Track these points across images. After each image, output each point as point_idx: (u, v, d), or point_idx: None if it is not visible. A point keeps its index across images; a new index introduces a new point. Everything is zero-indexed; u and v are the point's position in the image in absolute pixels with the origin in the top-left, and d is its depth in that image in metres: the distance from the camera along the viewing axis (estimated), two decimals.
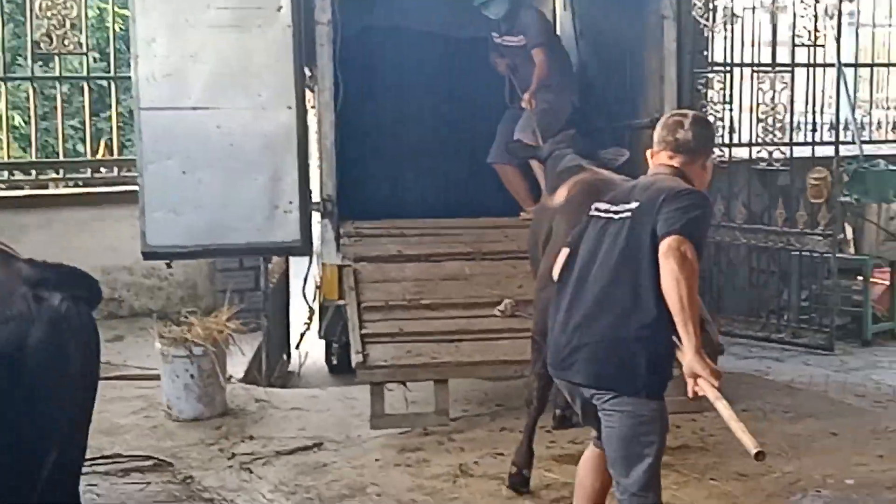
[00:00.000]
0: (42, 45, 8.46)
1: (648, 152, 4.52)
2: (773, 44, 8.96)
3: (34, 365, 3.49)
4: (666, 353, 4.18)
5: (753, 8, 8.93)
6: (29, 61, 8.75)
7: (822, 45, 8.92)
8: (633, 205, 4.25)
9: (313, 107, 7.57)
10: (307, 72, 7.33)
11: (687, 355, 4.02)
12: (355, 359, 6.32)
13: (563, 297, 4.41)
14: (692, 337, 3.99)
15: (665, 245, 4.04)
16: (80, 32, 8.52)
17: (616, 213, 4.32)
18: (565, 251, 4.55)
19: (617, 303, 4.19)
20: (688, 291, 3.98)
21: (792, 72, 8.86)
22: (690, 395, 4.12)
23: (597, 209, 4.44)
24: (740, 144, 9.19)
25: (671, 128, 4.43)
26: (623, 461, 4.22)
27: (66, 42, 8.41)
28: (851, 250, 9.58)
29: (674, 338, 4.11)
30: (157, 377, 6.76)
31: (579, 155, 6.25)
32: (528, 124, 7.94)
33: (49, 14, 8.36)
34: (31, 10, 8.45)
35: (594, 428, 4.42)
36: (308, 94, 7.53)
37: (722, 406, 3.98)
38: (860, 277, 9.17)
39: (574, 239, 4.55)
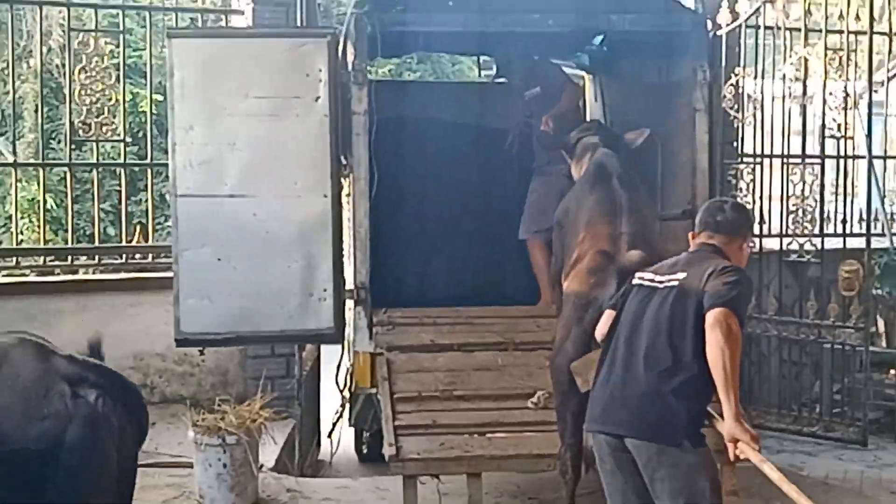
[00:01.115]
0: (80, 131, 8.53)
1: (690, 234, 4.98)
2: (803, 134, 8.99)
3: (71, 463, 3.51)
4: (703, 408, 4.56)
5: (783, 98, 8.95)
6: (67, 147, 8.82)
7: (852, 137, 8.95)
8: (681, 275, 4.66)
9: (347, 195, 7.61)
10: (342, 160, 7.39)
11: (727, 421, 4.39)
12: (388, 451, 6.29)
13: (607, 357, 4.79)
14: (733, 405, 4.36)
15: (712, 317, 4.42)
16: (115, 118, 8.62)
17: (661, 283, 4.73)
18: (609, 313, 4.97)
19: (660, 362, 4.56)
20: (731, 362, 4.35)
21: (822, 163, 8.88)
22: (732, 458, 4.47)
23: (641, 278, 4.86)
24: (770, 235, 9.17)
25: (712, 211, 4.94)
26: None
27: (103, 129, 8.50)
28: (884, 343, 9.53)
29: (709, 408, 4.54)
30: (189, 465, 6.75)
31: (604, 140, 7.17)
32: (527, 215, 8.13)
33: (87, 100, 8.46)
34: (70, 96, 8.54)
35: (620, 487, 4.69)
36: (342, 181, 7.57)
37: (769, 469, 4.38)
38: (893, 371, 9.11)
39: (617, 301, 4.99)
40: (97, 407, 3.58)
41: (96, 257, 8.90)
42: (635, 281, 4.91)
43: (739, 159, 8.97)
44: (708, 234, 4.87)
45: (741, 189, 8.93)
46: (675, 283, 4.67)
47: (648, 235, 6.65)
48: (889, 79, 10.91)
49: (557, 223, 7.20)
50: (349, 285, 7.38)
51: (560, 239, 7.08)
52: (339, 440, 8.02)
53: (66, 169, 9.00)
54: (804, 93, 8.80)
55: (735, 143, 9.02)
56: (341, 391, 7.85)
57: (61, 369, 3.66)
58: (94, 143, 8.80)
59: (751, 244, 5.05)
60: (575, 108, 8.91)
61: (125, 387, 3.72)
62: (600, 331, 5.06)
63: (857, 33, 8.87)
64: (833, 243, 8.91)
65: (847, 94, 8.69)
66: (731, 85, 8.45)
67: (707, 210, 5.01)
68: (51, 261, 8.75)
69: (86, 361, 3.72)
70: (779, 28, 8.64)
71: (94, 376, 3.65)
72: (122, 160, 9.01)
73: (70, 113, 8.60)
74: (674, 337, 4.57)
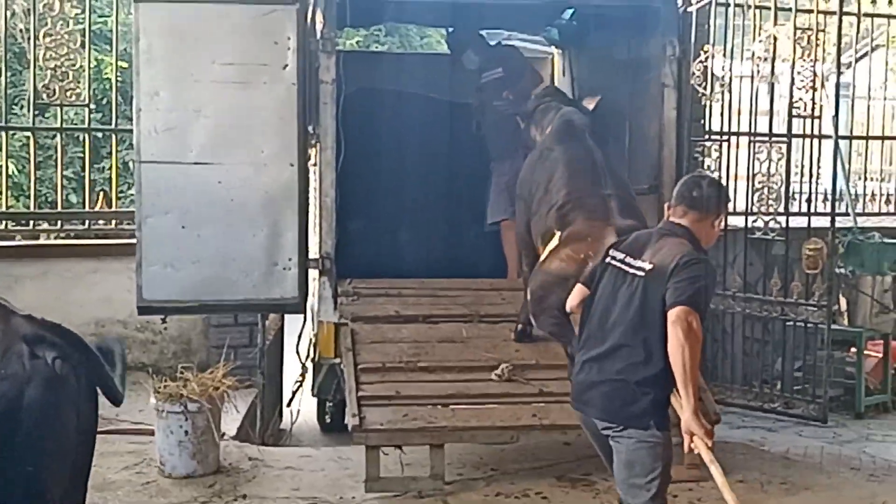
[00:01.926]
0: (44, 96, 8.43)
1: (666, 205, 5.13)
2: (770, 113, 9.01)
3: (30, 423, 3.48)
4: (667, 396, 4.73)
5: (752, 77, 8.97)
6: (30, 112, 8.71)
7: (819, 117, 8.98)
8: (648, 266, 4.79)
9: (314, 164, 7.57)
10: (310, 129, 7.34)
11: (685, 415, 4.59)
12: (351, 422, 6.30)
13: (583, 338, 5.00)
14: (691, 399, 4.56)
15: (673, 314, 4.58)
16: (80, 84, 8.52)
17: (631, 266, 4.86)
18: (580, 288, 5.15)
19: (629, 352, 4.74)
20: (691, 359, 4.54)
21: (789, 142, 8.90)
22: (686, 450, 4.68)
23: (614, 258, 4.97)
24: (736, 213, 9.17)
25: (690, 186, 5.02)
26: (631, 485, 4.74)
27: (67, 94, 8.40)
28: (845, 322, 9.59)
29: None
30: (150, 432, 6.70)
31: (563, 103, 7.48)
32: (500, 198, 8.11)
33: (52, 65, 8.36)
34: (34, 60, 8.43)
35: (605, 459, 4.95)
36: (309, 151, 7.53)
37: (715, 470, 4.60)
38: (854, 349, 9.18)
39: (588, 278, 5.16)
40: (55, 368, 3.54)
41: (58, 223, 8.80)
42: (608, 259, 5.00)
43: (707, 136, 8.99)
44: (682, 210, 4.94)
45: (708, 166, 8.95)
46: (643, 273, 4.79)
47: (633, 200, 6.83)
48: (857, 60, 10.96)
49: (519, 197, 7.23)
50: (314, 255, 7.34)
51: (525, 213, 7.10)
52: (300, 410, 7.99)
53: (28, 134, 8.88)
54: (772, 72, 8.81)
55: (703, 121, 9.05)
56: (303, 361, 7.81)
57: (20, 329, 3.61)
58: (58, 108, 8.68)
59: (722, 223, 5.07)
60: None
61: (84, 348, 3.68)
62: (570, 303, 5.24)
63: (826, 13, 8.89)
64: (798, 222, 8.94)
65: (815, 75, 8.69)
66: (700, 62, 8.46)
67: (684, 184, 5.08)
68: (13, 226, 8.66)
69: (45, 322, 3.67)
70: (748, 6, 8.65)
71: (53, 337, 3.60)
72: (86, 126, 8.89)
73: (34, 77, 8.47)
74: (644, 330, 4.73)
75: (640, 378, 4.71)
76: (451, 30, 9.52)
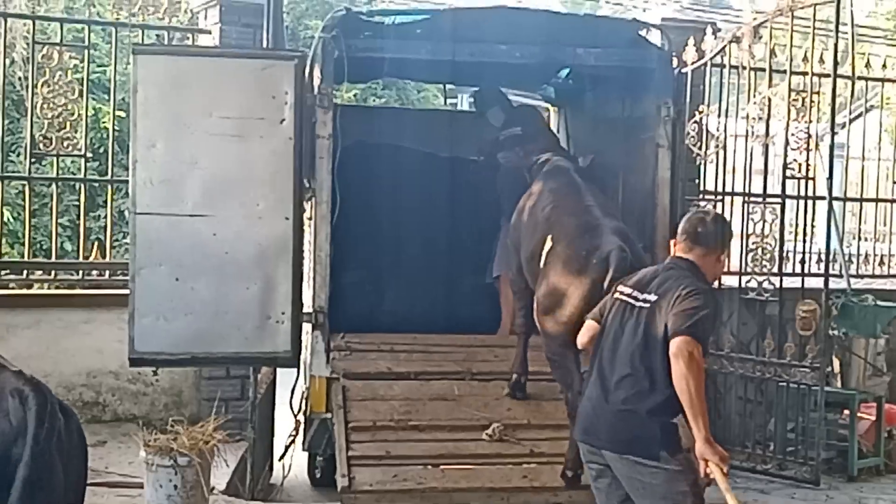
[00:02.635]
0: (41, 145, 8.44)
1: (672, 241, 5.30)
2: (765, 174, 9.04)
3: (16, 481, 3.45)
4: (674, 423, 4.85)
5: (746, 137, 9.00)
6: (27, 161, 8.72)
7: (813, 178, 9.00)
8: (653, 298, 4.93)
9: (309, 218, 7.58)
10: (305, 183, 7.36)
11: (698, 443, 4.70)
12: (340, 482, 6.29)
13: (592, 370, 5.12)
14: (701, 427, 4.67)
15: (675, 346, 4.70)
16: (77, 133, 8.53)
17: (636, 299, 5.01)
18: (591, 324, 5.31)
19: (634, 381, 4.87)
20: (696, 388, 4.65)
21: (783, 203, 8.91)
22: (702, 475, 4.77)
23: (622, 292, 5.13)
24: (729, 273, 9.17)
25: (694, 222, 5.16)
26: None
27: (64, 143, 8.42)
28: (839, 384, 9.55)
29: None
30: (139, 485, 6.66)
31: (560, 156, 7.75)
32: (504, 252, 8.12)
33: (49, 114, 8.38)
34: (32, 109, 8.46)
35: (604, 491, 5.08)
36: (304, 204, 7.54)
37: (731, 499, 4.69)
38: (847, 412, 9.15)
39: (597, 314, 5.32)
40: (46, 426, 3.52)
41: (52, 272, 8.79)
42: (617, 295, 5.16)
43: (701, 196, 9.01)
44: (688, 245, 5.09)
45: None
46: (648, 305, 4.93)
47: (615, 211, 7.12)
48: (851, 121, 11.02)
49: (511, 243, 7.56)
50: (307, 309, 7.34)
51: (516, 256, 7.39)
52: (291, 464, 7.94)
53: (24, 182, 8.90)
54: (767, 132, 8.84)
55: (697, 180, 9.09)
56: (295, 415, 7.78)
57: (8, 384, 3.59)
58: (55, 158, 8.70)
59: (727, 257, 5.33)
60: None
61: (66, 410, 3.66)
62: (581, 341, 5.41)
63: (820, 76, 8.94)
64: (791, 283, 8.92)
65: (809, 135, 8.73)
66: (695, 122, 8.50)
67: (689, 220, 5.21)
68: (6, 274, 8.63)
69: (34, 380, 3.65)
70: (744, 67, 8.69)
71: (42, 396, 3.58)
72: (82, 175, 8.90)
73: (31, 126, 8.51)
74: (648, 359, 4.86)
75: (647, 406, 4.83)
76: (475, 89, 9.55)
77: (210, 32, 8.58)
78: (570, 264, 6.50)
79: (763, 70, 8.75)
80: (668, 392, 4.74)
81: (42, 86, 8.35)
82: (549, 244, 6.76)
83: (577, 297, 6.24)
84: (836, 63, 8.67)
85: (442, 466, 6.55)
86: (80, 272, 8.76)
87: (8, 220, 10.43)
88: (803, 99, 8.75)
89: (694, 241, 5.08)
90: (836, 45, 8.50)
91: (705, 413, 4.71)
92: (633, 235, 6.91)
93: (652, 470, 4.81)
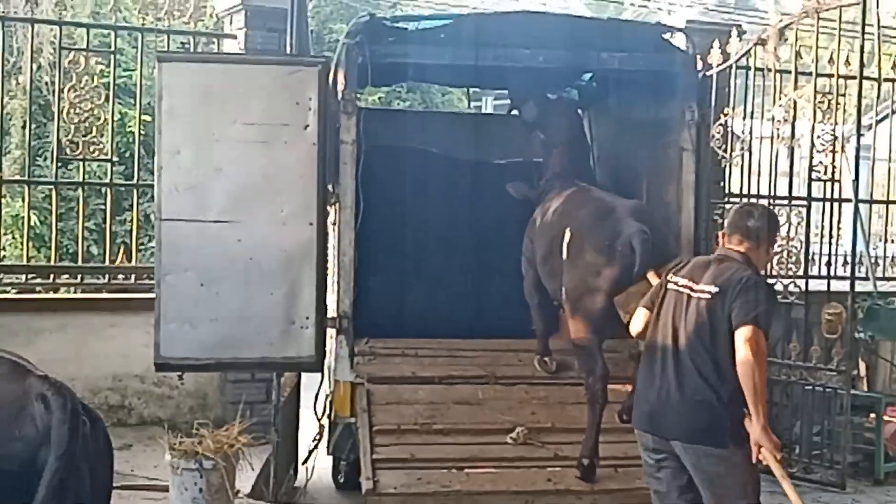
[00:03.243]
0: (68, 150, 8.50)
1: (720, 233, 5.55)
2: (790, 176, 9.01)
3: (42, 486, 3.48)
4: (742, 413, 5.00)
5: (772, 139, 8.97)
6: (53, 165, 8.78)
7: (839, 180, 8.97)
8: (714, 289, 5.09)
9: (333, 223, 7.61)
10: (329, 188, 7.38)
11: (755, 429, 4.95)
12: (365, 485, 6.31)
13: (650, 361, 5.31)
14: (761, 416, 4.93)
15: (741, 335, 4.93)
16: (104, 137, 8.58)
17: (694, 290, 5.18)
18: (645, 311, 5.50)
19: (702, 371, 5.06)
20: (760, 377, 4.91)
21: (808, 205, 8.88)
22: (755, 460, 5.05)
23: (676, 283, 5.30)
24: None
25: (743, 216, 5.37)
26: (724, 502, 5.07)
27: (90, 148, 8.47)
28: (865, 387, 9.52)
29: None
30: (164, 489, 6.69)
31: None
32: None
33: (76, 119, 8.43)
34: (59, 113, 8.52)
35: (660, 486, 5.30)
36: (328, 209, 7.56)
37: (788, 487, 5.08)
38: (873, 415, 9.11)
39: (648, 302, 5.53)
40: (69, 429, 3.55)
41: (79, 276, 8.83)
42: (670, 285, 5.34)
43: (726, 199, 8.98)
44: (738, 240, 5.27)
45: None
46: (709, 296, 5.10)
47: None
48: (877, 123, 10.96)
49: (525, 258, 7.92)
50: (331, 314, 7.36)
51: (532, 271, 7.73)
52: (314, 468, 7.97)
53: (51, 187, 8.96)
54: (792, 135, 8.80)
55: (722, 183, 9.06)
56: (319, 419, 7.80)
57: (35, 389, 3.63)
58: (81, 162, 8.76)
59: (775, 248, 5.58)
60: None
61: (91, 413, 3.70)
62: (635, 329, 5.59)
63: (846, 77, 8.91)
64: (817, 285, 8.90)
65: (835, 138, 8.70)
66: (720, 125, 8.48)
67: (738, 214, 5.42)
68: (33, 278, 8.69)
69: (58, 384, 3.69)
70: (769, 70, 8.66)
71: (67, 400, 3.62)
72: (108, 179, 8.95)
73: (58, 131, 8.56)
74: (714, 349, 5.06)
75: (720, 395, 5.02)
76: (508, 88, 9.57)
77: (235, 37, 8.61)
78: (595, 254, 6.75)
79: (789, 72, 8.73)
80: (735, 383, 4.95)
81: (69, 90, 8.42)
82: (568, 236, 6.98)
83: (607, 287, 6.59)
84: (861, 64, 8.64)
85: (466, 470, 6.58)
86: (107, 276, 8.81)
87: (35, 224, 10.50)
88: (829, 101, 8.73)
89: (744, 235, 5.26)
90: (862, 47, 8.48)
91: (766, 401, 5.01)
92: (651, 210, 7.27)
93: (720, 459, 5.03)
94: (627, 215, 6.77)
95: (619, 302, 6.50)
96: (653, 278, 6.27)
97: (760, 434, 4.94)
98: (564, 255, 6.97)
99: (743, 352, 4.89)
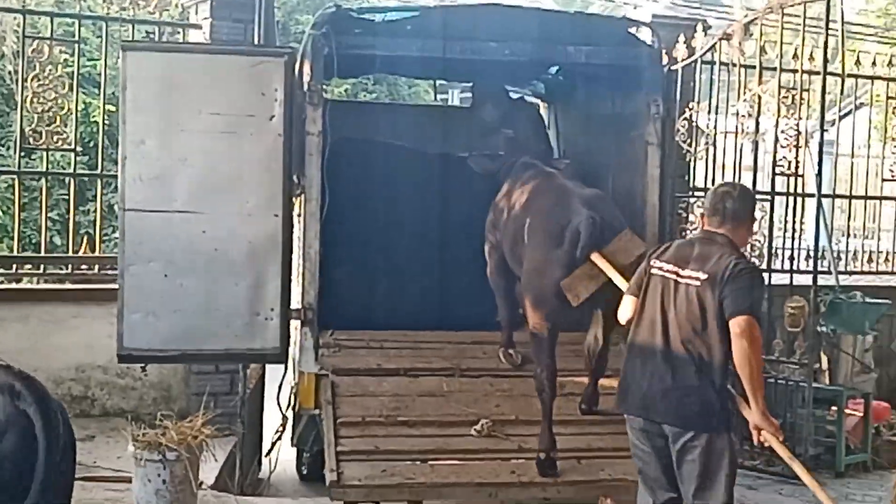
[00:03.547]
0: (31, 139, 8.43)
1: (700, 214, 5.67)
2: (754, 171, 9.04)
3: (5, 472, 3.48)
4: (729, 395, 5.19)
5: (736, 134, 9.01)
6: (16, 155, 8.71)
7: (802, 175, 9.02)
8: (702, 275, 5.16)
9: (299, 215, 7.59)
10: (295, 180, 7.36)
11: (754, 415, 5.13)
12: (329, 477, 6.30)
13: (640, 347, 5.38)
14: (759, 401, 5.11)
15: (737, 326, 5.02)
16: (67, 127, 8.52)
17: (682, 276, 5.24)
18: (631, 298, 5.55)
19: (694, 357, 5.14)
20: (757, 365, 5.05)
21: (772, 199, 8.92)
22: (756, 442, 5.32)
23: (659, 268, 5.37)
24: None
25: (721, 197, 5.38)
26: (706, 486, 5.16)
27: (54, 138, 8.41)
28: (826, 380, 9.57)
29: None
30: (127, 480, 6.68)
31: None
32: None
33: (39, 108, 8.36)
34: (22, 103, 8.45)
35: (648, 468, 5.41)
36: (294, 201, 7.54)
37: (798, 467, 5.30)
38: (835, 408, 9.17)
39: (634, 289, 5.58)
40: (33, 419, 3.55)
41: (41, 266, 8.78)
42: (655, 271, 5.39)
43: (690, 193, 9.01)
44: (718, 221, 5.32)
45: (691, 222, 8.98)
46: (698, 282, 5.16)
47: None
48: (840, 118, 11.03)
49: (487, 241, 8.01)
50: (296, 305, 7.34)
51: (494, 253, 7.83)
52: (278, 459, 7.96)
53: (14, 177, 8.89)
54: (756, 129, 8.84)
55: (686, 177, 9.08)
56: (283, 411, 7.79)
57: None
58: (44, 152, 8.69)
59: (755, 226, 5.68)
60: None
61: (55, 402, 3.69)
62: (623, 316, 5.63)
63: (810, 73, 8.95)
64: (780, 279, 8.94)
65: (798, 133, 8.75)
66: (685, 119, 8.52)
67: (717, 195, 5.43)
68: None
69: (21, 373, 3.68)
70: (734, 65, 8.69)
71: (29, 388, 3.61)
72: (71, 170, 8.89)
73: (21, 120, 8.50)
74: (705, 335, 5.14)
75: (711, 380, 5.12)
76: (471, 84, 9.61)
77: (201, 27, 8.56)
78: (547, 239, 6.83)
79: (753, 67, 8.76)
80: (724, 367, 5.10)
81: (32, 80, 8.34)
82: (528, 221, 7.10)
83: (555, 270, 6.66)
84: (825, 60, 8.68)
85: (430, 462, 6.58)
86: (70, 266, 8.75)
87: None
88: (793, 96, 8.76)
89: (724, 217, 5.31)
90: (825, 43, 8.50)
91: (763, 388, 5.18)
92: (609, 199, 7.34)
93: (704, 444, 5.12)
94: (580, 203, 6.85)
95: (566, 286, 6.58)
96: (597, 259, 6.55)
97: (760, 419, 5.11)
98: (525, 240, 7.05)
99: (739, 342, 5.00)
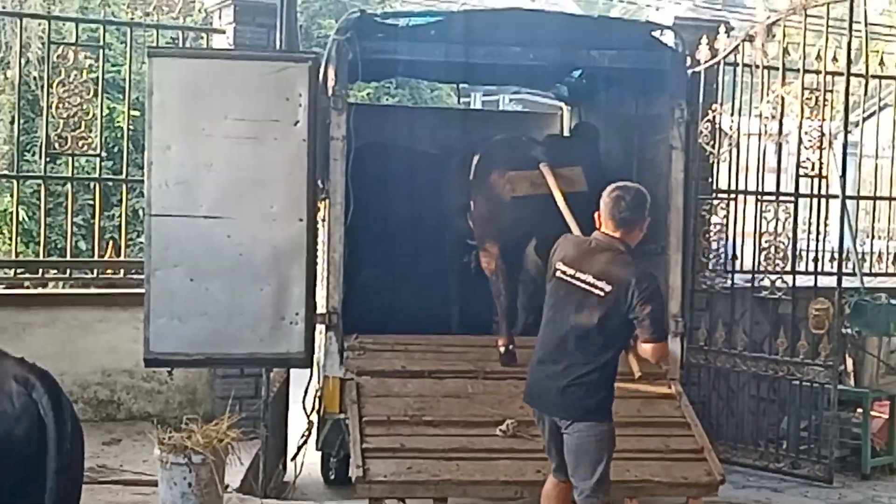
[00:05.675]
0: (56, 144, 8.48)
1: (596, 214, 5.65)
2: (778, 172, 9.04)
3: (15, 463, 3.52)
4: (608, 391, 5.55)
5: (759, 135, 8.99)
6: (42, 160, 8.77)
7: (826, 176, 9.00)
8: (606, 286, 5.40)
9: (323, 219, 7.62)
10: (319, 184, 7.39)
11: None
12: (355, 473, 6.32)
13: (542, 344, 5.72)
14: None
15: (656, 352, 5.49)
16: (92, 133, 8.57)
17: (581, 282, 5.49)
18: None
19: (590, 358, 5.48)
20: None
21: (796, 201, 8.92)
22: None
23: (563, 272, 5.58)
24: (742, 272, 9.21)
25: (616, 202, 5.54)
26: (583, 468, 5.50)
27: (79, 143, 8.46)
28: (851, 382, 9.54)
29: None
30: (153, 483, 6.70)
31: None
32: None
33: (64, 114, 8.41)
34: (47, 109, 8.50)
35: (554, 451, 5.71)
36: (318, 205, 7.56)
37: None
38: (860, 410, 9.15)
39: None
40: (46, 411, 3.59)
41: (67, 271, 8.84)
42: (558, 273, 5.61)
43: (713, 195, 9.02)
44: (613, 225, 5.52)
45: (714, 224, 8.99)
46: (601, 293, 5.41)
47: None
48: (864, 119, 10.99)
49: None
50: (321, 310, 7.37)
51: (494, 242, 8.05)
52: (303, 462, 7.98)
53: (40, 182, 8.95)
54: (780, 131, 8.84)
55: (710, 179, 9.09)
56: (308, 415, 7.82)
57: (11, 370, 3.66)
58: (70, 157, 8.75)
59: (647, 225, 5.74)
60: None
61: (64, 395, 3.74)
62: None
63: (833, 74, 8.93)
64: (804, 281, 8.94)
65: (822, 134, 8.73)
66: (708, 121, 8.52)
67: (611, 199, 5.56)
68: (21, 273, 8.68)
69: (34, 366, 3.72)
70: (757, 66, 8.69)
71: (41, 380, 3.65)
72: (96, 174, 8.95)
73: (46, 126, 8.54)
74: (604, 339, 5.46)
75: (594, 378, 5.45)
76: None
77: (224, 32, 8.60)
78: (499, 174, 7.75)
79: (776, 68, 8.76)
80: (612, 366, 5.52)
81: (57, 85, 8.40)
82: (476, 159, 7.95)
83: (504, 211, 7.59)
84: (849, 61, 8.67)
85: (456, 460, 6.59)
86: (95, 271, 8.82)
87: (23, 219, 10.48)
88: (816, 97, 8.76)
89: (619, 223, 5.51)
90: (849, 44, 8.50)
91: None
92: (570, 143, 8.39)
93: (585, 431, 5.47)
94: (538, 144, 7.60)
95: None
96: (545, 169, 7.32)
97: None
98: (471, 177, 7.72)
99: (653, 360, 5.62)
